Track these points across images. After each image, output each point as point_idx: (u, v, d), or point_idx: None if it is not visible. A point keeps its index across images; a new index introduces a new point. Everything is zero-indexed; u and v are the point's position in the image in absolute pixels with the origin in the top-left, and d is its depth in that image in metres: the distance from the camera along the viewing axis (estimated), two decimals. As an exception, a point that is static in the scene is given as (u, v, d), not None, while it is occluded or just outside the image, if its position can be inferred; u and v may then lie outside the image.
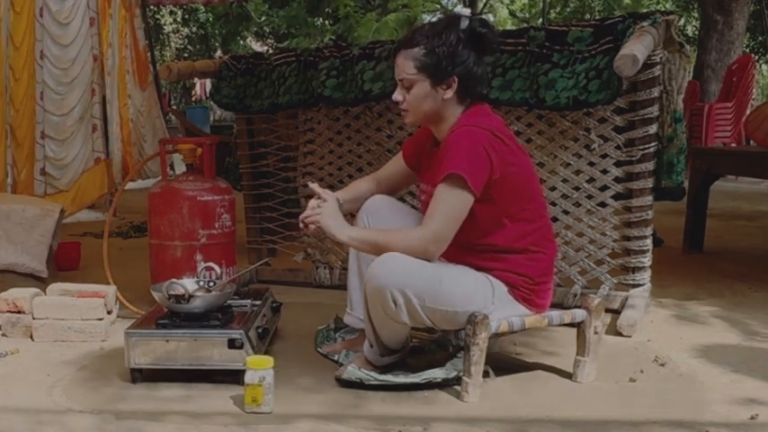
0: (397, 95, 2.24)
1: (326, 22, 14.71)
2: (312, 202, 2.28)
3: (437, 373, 2.24)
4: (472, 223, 2.14)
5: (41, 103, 5.39)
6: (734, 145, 7.76)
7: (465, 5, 19.46)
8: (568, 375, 2.35)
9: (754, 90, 8.98)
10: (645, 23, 2.66)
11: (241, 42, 17.96)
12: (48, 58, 5.44)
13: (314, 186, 2.35)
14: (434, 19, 2.24)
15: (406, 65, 2.18)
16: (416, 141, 2.45)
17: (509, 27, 19.54)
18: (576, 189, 3.03)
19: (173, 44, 18.21)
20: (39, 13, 5.33)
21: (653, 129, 2.86)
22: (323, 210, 2.24)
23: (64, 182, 5.62)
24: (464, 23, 2.15)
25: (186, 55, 17.82)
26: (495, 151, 2.11)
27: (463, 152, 2.08)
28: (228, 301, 2.48)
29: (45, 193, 5.39)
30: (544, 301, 2.29)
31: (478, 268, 2.22)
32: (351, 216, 2.52)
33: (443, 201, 2.10)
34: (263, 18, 15.44)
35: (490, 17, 23.20)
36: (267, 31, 16.46)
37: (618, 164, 2.95)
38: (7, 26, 5.13)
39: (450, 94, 2.17)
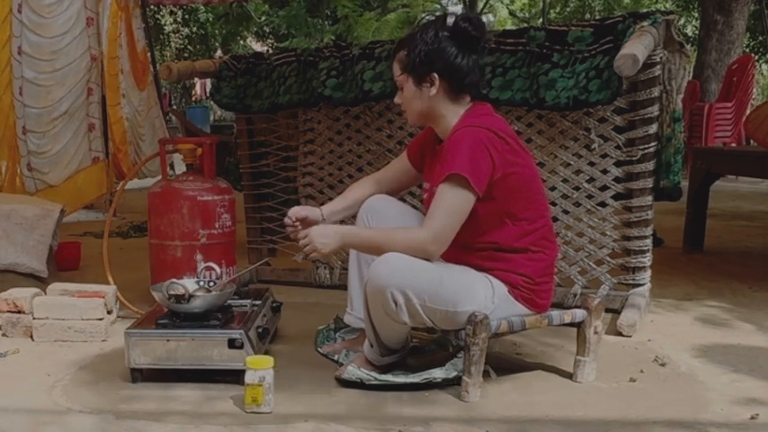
0: (396, 98, 2.32)
1: (326, 22, 14.71)
2: (302, 239, 2.22)
3: (437, 373, 2.24)
4: (473, 222, 2.14)
5: (20, 98, 5.31)
6: (734, 145, 7.76)
7: (465, 5, 19.45)
8: (568, 375, 2.35)
9: (754, 90, 8.98)
10: (645, 23, 2.66)
11: (241, 42, 17.98)
12: (27, 53, 5.33)
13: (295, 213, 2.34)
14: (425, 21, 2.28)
15: (395, 68, 2.27)
16: (421, 141, 2.46)
17: (509, 27, 19.55)
18: (576, 189, 3.03)
19: (173, 44, 18.20)
20: (17, 9, 5.24)
21: (653, 128, 2.86)
22: (312, 241, 2.18)
23: (53, 177, 5.57)
24: (449, 20, 2.19)
25: (186, 55, 17.81)
26: (497, 151, 2.11)
27: (465, 152, 2.09)
28: (228, 301, 2.48)
29: (36, 190, 5.37)
30: (545, 301, 2.28)
31: (479, 268, 2.22)
32: (352, 218, 2.52)
33: (445, 200, 2.11)
34: (263, 18, 15.45)
35: (490, 17, 23.20)
36: (267, 31, 16.47)
37: (618, 164, 2.95)
38: None
39: (434, 91, 2.20)
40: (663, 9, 14.39)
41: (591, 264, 3.04)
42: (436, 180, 2.16)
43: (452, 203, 2.10)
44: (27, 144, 5.40)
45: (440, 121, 2.25)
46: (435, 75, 2.18)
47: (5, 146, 5.20)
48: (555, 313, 2.31)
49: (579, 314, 2.30)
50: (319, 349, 2.60)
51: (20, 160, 5.34)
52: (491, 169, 2.10)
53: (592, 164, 2.99)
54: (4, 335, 2.83)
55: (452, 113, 2.22)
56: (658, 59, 2.78)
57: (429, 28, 2.20)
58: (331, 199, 2.85)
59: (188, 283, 2.42)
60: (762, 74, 18.11)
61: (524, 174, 2.20)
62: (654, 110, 2.84)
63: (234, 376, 2.26)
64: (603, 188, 2.99)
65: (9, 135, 5.25)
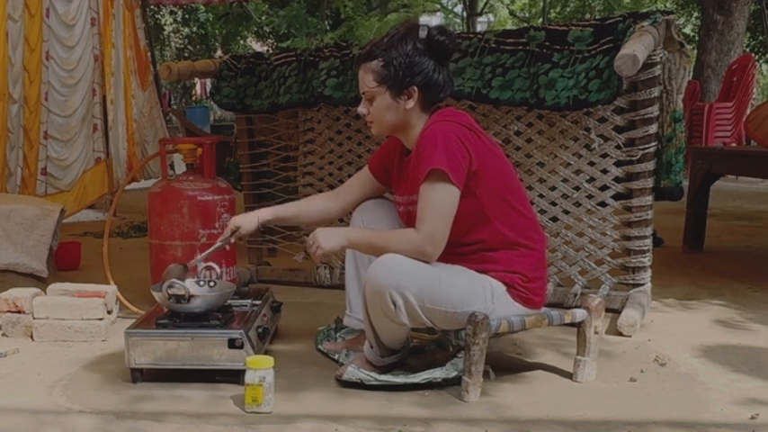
0: (362, 108, 2.27)
1: (326, 22, 14.72)
2: (308, 241, 2.27)
3: (437, 373, 2.24)
4: (456, 221, 2.12)
5: (46, 103, 5.45)
6: (734, 145, 7.75)
7: (465, 5, 19.47)
8: (568, 375, 2.35)
9: (754, 90, 8.97)
10: (645, 23, 2.66)
11: (241, 42, 17.98)
12: (54, 60, 5.50)
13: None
14: (393, 30, 2.24)
15: (365, 78, 2.21)
16: (383, 154, 2.45)
17: (509, 27, 19.55)
18: (577, 189, 3.03)
19: (173, 44, 18.21)
20: (45, 14, 5.40)
21: (653, 128, 2.86)
22: (316, 239, 2.22)
23: (65, 182, 5.66)
24: (422, 33, 2.16)
25: (186, 55, 17.83)
26: (469, 142, 2.11)
27: (440, 147, 2.08)
28: (228, 301, 2.48)
29: (46, 193, 5.43)
30: (540, 298, 2.28)
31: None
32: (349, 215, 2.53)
33: (430, 199, 2.10)
34: (264, 18, 15.45)
35: (490, 17, 23.21)
36: (267, 31, 16.47)
37: (618, 163, 2.95)
38: (21, 29, 5.18)
39: (411, 104, 2.18)
40: (663, 9, 14.39)
41: (591, 264, 3.04)
42: (413, 188, 2.16)
43: (438, 201, 2.09)
44: (47, 149, 5.50)
45: (409, 132, 2.24)
46: (415, 88, 2.16)
47: (34, 152, 5.32)
48: (555, 313, 2.31)
49: (579, 314, 2.30)
50: (320, 347, 2.60)
51: (36, 164, 5.42)
52: (467, 160, 2.10)
53: (592, 164, 2.99)
54: (4, 335, 2.83)
55: (422, 122, 2.22)
56: (658, 59, 2.78)
57: (405, 39, 2.16)
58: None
59: (188, 283, 2.42)
60: (762, 74, 18.11)
61: (499, 167, 2.19)
62: (654, 110, 2.84)
63: (234, 376, 2.26)
64: (603, 188, 2.99)
65: (38, 141, 5.39)
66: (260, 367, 2.07)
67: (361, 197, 2.51)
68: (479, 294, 2.16)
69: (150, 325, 2.34)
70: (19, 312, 2.82)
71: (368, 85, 2.20)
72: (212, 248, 2.47)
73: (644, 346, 2.67)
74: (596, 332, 2.30)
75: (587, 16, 18.03)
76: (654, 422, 2.02)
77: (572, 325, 2.33)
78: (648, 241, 2.98)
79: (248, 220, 2.44)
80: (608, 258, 3.02)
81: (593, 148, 2.97)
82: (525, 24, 19.66)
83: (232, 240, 2.46)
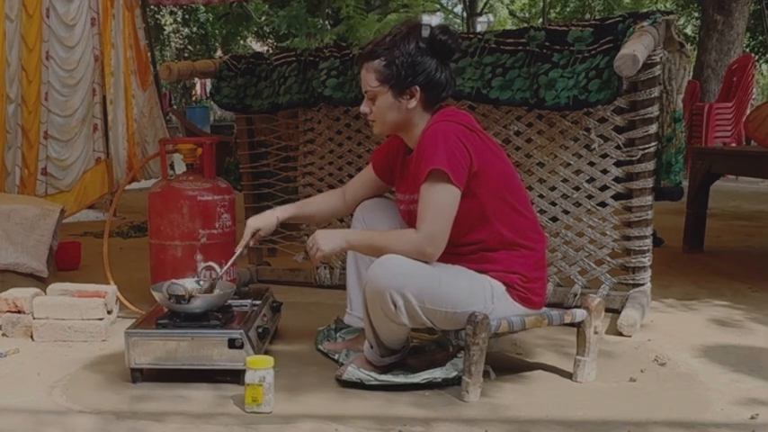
0: (364, 108, 2.26)
1: (327, 22, 14.72)
2: (308, 243, 2.26)
3: (437, 373, 2.24)
4: (457, 221, 2.13)
5: (46, 103, 5.46)
6: (734, 145, 7.75)
7: (465, 6, 19.47)
8: (568, 375, 2.35)
9: (754, 90, 8.97)
10: (645, 23, 2.66)
11: (241, 42, 17.98)
12: (54, 60, 5.51)
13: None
14: (396, 29, 2.24)
15: (368, 77, 2.21)
16: (385, 152, 2.45)
17: (509, 27, 19.56)
18: (577, 189, 3.03)
19: (173, 44, 18.21)
20: (45, 14, 5.41)
21: (653, 128, 2.86)
22: (316, 241, 2.22)
23: (65, 182, 5.66)
24: (425, 32, 2.16)
25: (186, 55, 17.82)
26: (470, 142, 2.11)
27: (441, 147, 2.08)
28: (228, 301, 2.48)
29: (46, 193, 5.43)
30: (540, 298, 2.28)
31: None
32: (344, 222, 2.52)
33: (430, 200, 2.10)
34: (264, 18, 15.45)
35: (490, 17, 23.20)
36: (267, 31, 16.48)
37: (618, 164, 2.95)
38: (19, 28, 5.19)
39: (413, 103, 2.18)
40: (663, 9, 14.39)
41: (591, 264, 3.04)
42: (415, 187, 2.16)
43: (438, 201, 2.09)
44: (47, 149, 5.50)
45: (411, 131, 2.24)
46: (417, 87, 2.16)
47: (34, 152, 5.34)
48: (555, 313, 2.31)
49: (579, 314, 2.30)
50: (320, 347, 2.60)
51: (36, 164, 5.43)
52: (468, 161, 2.10)
53: (592, 164, 2.99)
54: (4, 335, 2.83)
55: (424, 122, 2.22)
56: (658, 59, 2.78)
57: (408, 39, 2.16)
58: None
59: (188, 283, 2.42)
60: (762, 74, 18.11)
61: (500, 168, 2.19)
62: (654, 110, 2.85)
63: (234, 376, 2.26)
64: (603, 188, 2.99)
65: (38, 141, 5.40)
66: (260, 367, 2.07)
67: (365, 196, 2.51)
68: (479, 294, 2.16)
69: (150, 325, 2.34)
70: (19, 312, 2.82)
71: (370, 84, 2.21)
72: (234, 257, 2.43)
73: (644, 346, 2.67)
74: (596, 332, 2.30)
75: (587, 16, 18.02)
76: (654, 422, 2.02)
77: (572, 325, 2.33)
78: (648, 241, 2.98)
79: (268, 221, 2.41)
80: (608, 258, 3.02)
81: (593, 148, 2.97)
82: (525, 24, 19.67)
83: (251, 244, 2.42)
